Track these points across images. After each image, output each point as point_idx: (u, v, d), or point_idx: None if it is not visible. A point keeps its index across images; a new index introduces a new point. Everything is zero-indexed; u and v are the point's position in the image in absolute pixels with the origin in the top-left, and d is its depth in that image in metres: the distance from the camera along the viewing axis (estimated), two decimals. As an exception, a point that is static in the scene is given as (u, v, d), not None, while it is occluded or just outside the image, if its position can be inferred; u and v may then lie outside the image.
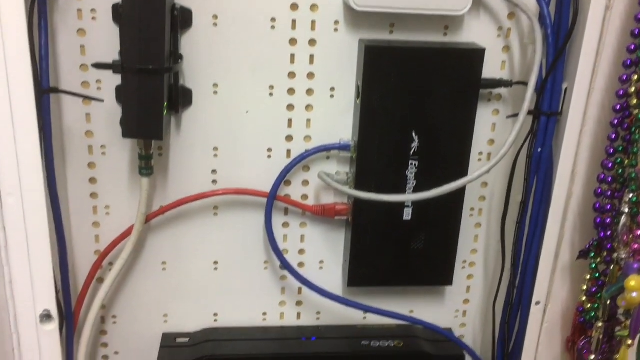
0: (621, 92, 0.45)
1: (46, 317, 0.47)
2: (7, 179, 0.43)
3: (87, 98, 0.50)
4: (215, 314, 0.62)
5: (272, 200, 0.56)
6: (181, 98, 0.52)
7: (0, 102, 0.41)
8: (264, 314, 0.63)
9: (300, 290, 0.62)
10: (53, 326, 0.47)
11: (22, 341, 0.47)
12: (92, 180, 0.55)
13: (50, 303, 0.47)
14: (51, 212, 0.48)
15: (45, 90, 0.46)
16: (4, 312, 0.46)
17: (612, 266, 0.47)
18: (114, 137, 0.54)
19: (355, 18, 0.53)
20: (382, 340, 0.61)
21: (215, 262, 0.60)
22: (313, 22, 0.53)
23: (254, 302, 0.62)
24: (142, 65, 0.46)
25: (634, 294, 0.42)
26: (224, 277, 0.60)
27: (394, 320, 0.63)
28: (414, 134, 0.54)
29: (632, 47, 0.44)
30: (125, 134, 0.49)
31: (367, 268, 0.59)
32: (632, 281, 0.42)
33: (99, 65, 0.48)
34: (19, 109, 0.41)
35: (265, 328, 0.63)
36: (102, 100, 0.50)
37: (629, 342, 0.45)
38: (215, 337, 0.61)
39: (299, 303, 0.63)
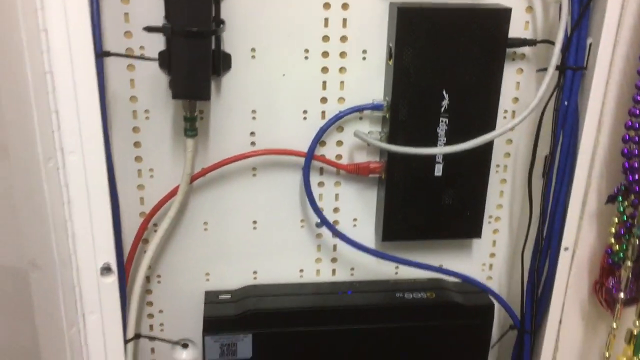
0: (647, 42, 0.48)
1: (106, 269, 0.50)
2: (70, 139, 0.45)
3: (141, 58, 0.53)
4: (255, 272, 0.65)
5: (310, 159, 0.59)
6: (222, 62, 0.55)
7: (63, 66, 0.43)
8: (301, 270, 0.65)
9: (335, 247, 0.65)
10: (113, 278, 0.50)
11: (84, 293, 0.50)
12: (137, 144, 0.58)
13: (109, 256, 0.50)
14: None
15: (98, 55, 0.48)
16: (67, 266, 0.49)
17: (640, 208, 0.50)
18: (157, 102, 0.56)
19: (387, -19, 0.56)
20: (415, 292, 0.64)
21: (254, 222, 0.63)
22: (346, -14, 0.56)
23: (291, 259, 0.65)
24: (191, 28, 0.48)
25: (663, 230, 0.45)
26: (262, 236, 0.63)
27: (425, 274, 0.66)
28: (444, 92, 0.57)
29: (657, -1, 0.47)
30: (175, 95, 0.51)
31: (400, 223, 0.62)
32: (661, 217, 0.45)
33: (150, 29, 0.51)
34: (80, 73, 0.44)
35: (302, 284, 0.66)
36: (156, 60, 0.52)
37: (658, 277, 0.48)
38: (256, 293, 0.63)
39: (333, 260, 0.65)
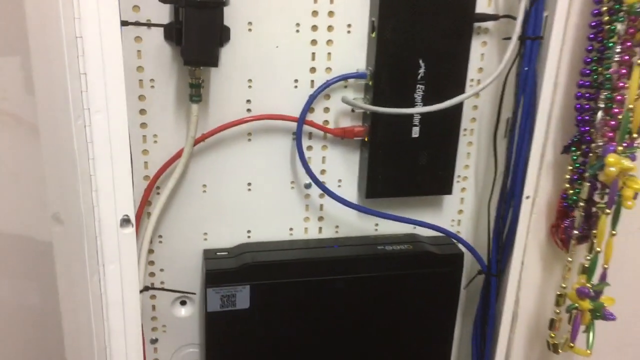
0: (595, 11, 0.56)
1: (125, 221, 0.54)
2: (96, 99, 0.50)
3: (153, 25, 0.57)
4: (249, 231, 0.70)
5: (302, 123, 0.65)
6: (222, 34, 0.60)
7: (91, 33, 0.48)
8: (290, 229, 0.71)
9: (321, 206, 0.71)
10: (131, 229, 0.54)
11: (105, 243, 0.54)
12: (142, 112, 0.62)
13: (129, 209, 0.54)
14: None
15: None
16: (89, 217, 0.53)
17: (591, 155, 0.58)
18: (162, 72, 0.61)
19: (369, -39, 0.62)
20: (394, 245, 0.71)
21: (249, 184, 0.68)
22: (333, -34, 0.62)
23: (282, 219, 0.71)
24: (203, -1, 0.53)
25: (612, 168, 0.54)
26: (256, 197, 0.69)
27: (402, 229, 0.73)
28: (420, 62, 0.64)
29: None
30: (187, 62, 0.56)
31: (382, 181, 0.69)
32: (610, 158, 0.54)
33: (165, 0, 0.55)
34: (107, 38, 0.48)
35: (292, 241, 0.71)
36: (158, 25, 0.57)
37: (607, 210, 0.57)
38: (250, 250, 0.69)
39: (320, 218, 0.72)
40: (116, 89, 0.50)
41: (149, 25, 0.58)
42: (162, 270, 0.69)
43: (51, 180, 0.51)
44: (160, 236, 0.68)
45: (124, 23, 0.54)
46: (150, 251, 0.68)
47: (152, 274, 0.69)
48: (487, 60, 0.69)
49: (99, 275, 0.55)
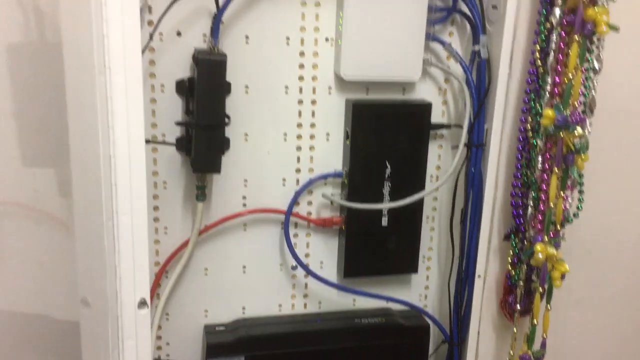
0: (521, 129, 0.71)
1: (142, 303, 0.65)
2: (123, 205, 0.62)
3: (168, 144, 0.71)
4: (244, 307, 0.81)
5: (289, 215, 0.77)
6: (224, 145, 0.73)
7: (121, 151, 0.60)
8: (280, 305, 0.82)
9: (306, 285, 0.83)
10: (146, 310, 0.65)
11: (124, 322, 0.65)
12: (156, 208, 0.75)
13: (145, 293, 0.65)
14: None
15: (141, 142, 0.65)
16: (113, 301, 0.64)
17: (526, 242, 0.71)
18: (173, 176, 0.74)
19: (343, 84, 0.76)
20: (369, 318, 0.82)
21: (244, 267, 0.80)
22: (314, 88, 0.76)
23: (272, 296, 0.82)
24: (210, 122, 0.66)
25: (540, 255, 0.66)
26: (250, 278, 0.80)
27: (376, 304, 0.84)
28: (387, 163, 0.77)
29: (526, 99, 0.70)
30: (195, 170, 0.69)
31: (357, 262, 0.80)
32: (538, 246, 0.66)
33: (179, 123, 0.69)
34: (134, 156, 0.61)
35: (281, 316, 0.82)
36: (173, 144, 0.70)
37: (540, 289, 0.69)
38: (245, 324, 0.80)
39: (305, 295, 0.83)
40: (139, 197, 0.62)
41: (165, 143, 0.71)
42: (168, 344, 0.79)
43: (82, 270, 0.63)
44: (167, 314, 0.78)
45: (146, 141, 0.67)
46: (158, 327, 0.78)
47: (159, 347, 0.79)
48: (443, 160, 0.82)
49: (118, 349, 0.66)
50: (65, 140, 0.61)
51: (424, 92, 0.79)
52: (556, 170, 0.65)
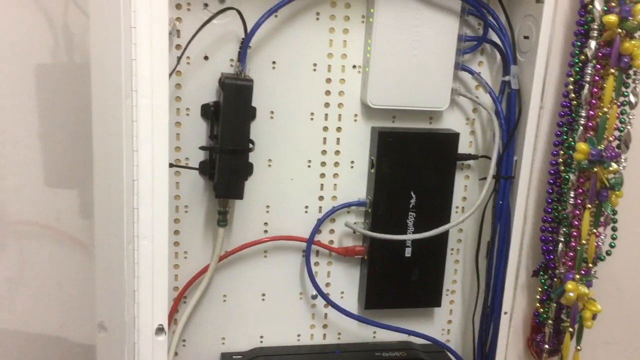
0: (553, 162, 0.69)
1: (160, 330, 0.64)
2: (144, 228, 0.61)
3: (191, 168, 0.70)
4: (261, 336, 0.79)
5: (311, 243, 0.76)
6: (248, 170, 0.72)
7: (144, 175, 0.60)
8: (298, 335, 0.81)
9: (325, 315, 0.81)
10: (164, 337, 0.64)
11: (141, 348, 0.63)
12: (176, 232, 0.74)
13: (163, 320, 0.64)
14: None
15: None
16: (130, 326, 0.63)
17: (555, 279, 0.69)
18: (195, 200, 0.73)
19: (369, 112, 0.75)
20: (390, 352, 0.80)
21: (263, 295, 0.78)
22: (340, 115, 0.75)
23: (290, 326, 0.80)
24: (234, 147, 0.66)
25: (571, 294, 0.64)
26: (268, 306, 0.78)
27: (397, 337, 0.82)
28: (412, 193, 0.76)
29: (558, 132, 0.68)
30: (218, 195, 0.68)
31: (379, 294, 0.78)
32: (569, 285, 0.64)
33: (203, 148, 0.68)
34: (157, 180, 0.60)
35: (299, 346, 0.80)
36: (196, 169, 0.70)
37: (570, 329, 0.66)
38: (262, 354, 0.78)
39: (324, 326, 0.81)
40: (161, 221, 0.61)
41: (188, 167, 0.70)
42: (183, 371, 0.78)
43: (100, 294, 0.62)
44: (184, 340, 0.77)
45: (170, 165, 0.67)
46: (175, 354, 0.77)
47: (174, 375, 0.77)
48: (469, 191, 0.81)
49: (134, 375, 0.64)
50: (88, 162, 0.60)
51: (451, 121, 0.78)
52: (589, 206, 0.63)
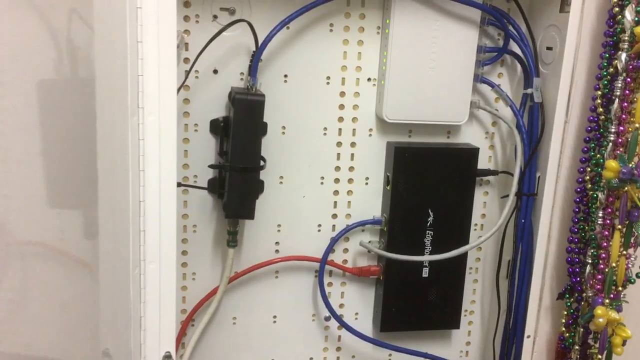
0: (580, 180, 0.65)
1: (167, 357, 0.61)
2: (151, 252, 0.58)
3: (200, 188, 0.67)
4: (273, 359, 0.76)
5: (324, 263, 0.73)
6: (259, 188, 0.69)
7: (151, 196, 0.57)
8: (311, 358, 0.77)
9: (339, 337, 0.78)
10: (172, 365, 0.61)
11: (149, 377, 0.61)
12: (184, 252, 0.71)
13: (171, 346, 0.61)
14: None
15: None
16: (137, 354, 0.60)
17: (582, 303, 0.65)
18: (204, 219, 0.70)
19: (384, 126, 0.72)
20: (406, 375, 0.77)
21: (274, 317, 0.75)
22: (354, 130, 0.72)
23: (303, 349, 0.77)
24: (245, 165, 0.63)
25: (600, 319, 0.60)
26: (280, 329, 0.75)
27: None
28: (429, 211, 0.73)
29: (585, 149, 0.65)
30: (228, 215, 0.65)
31: (395, 316, 0.75)
32: (598, 310, 0.60)
33: (213, 166, 0.65)
34: (164, 200, 0.57)
35: (312, 370, 0.77)
36: (205, 188, 0.67)
37: (599, 356, 0.63)
38: (274, 379, 0.75)
39: (338, 349, 0.78)
40: (168, 244, 0.58)
41: (197, 187, 0.67)
42: (191, 396, 0.75)
43: (105, 319, 0.59)
44: (192, 363, 0.74)
45: (178, 184, 0.64)
46: (182, 378, 0.74)
47: (182, 400, 0.74)
48: (489, 208, 0.77)
49: (141, 404, 0.61)
50: (93, 182, 0.58)
51: (470, 135, 0.75)
52: (619, 227, 0.60)
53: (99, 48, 0.55)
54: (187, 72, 0.64)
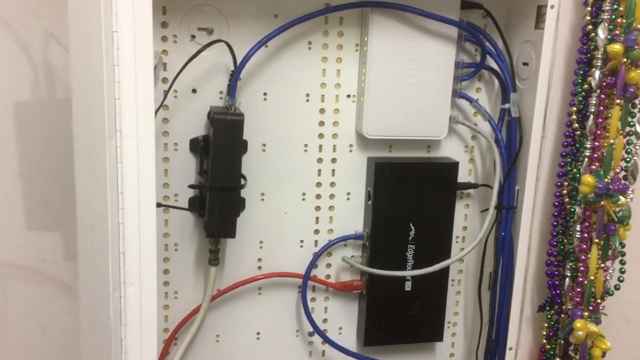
0: (557, 194, 0.66)
1: (150, 379, 0.61)
2: (131, 274, 0.58)
3: (180, 209, 0.67)
4: (257, 376, 0.76)
5: (307, 279, 0.73)
6: (240, 206, 0.69)
7: (131, 218, 0.57)
8: (295, 374, 0.77)
9: (323, 352, 0.78)
10: (154, 387, 0.61)
11: (130, 400, 0.60)
12: (166, 271, 0.70)
13: (152, 368, 0.61)
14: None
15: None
16: (118, 378, 0.60)
17: (562, 315, 0.66)
18: (185, 238, 0.70)
19: (365, 142, 0.73)
20: (391, 389, 0.77)
21: (258, 333, 0.75)
22: (334, 146, 0.72)
23: (287, 364, 0.77)
24: (225, 184, 0.63)
25: (580, 332, 0.61)
26: (264, 345, 0.75)
27: (398, 373, 0.79)
28: (411, 225, 0.73)
29: (562, 163, 0.66)
30: (209, 235, 0.65)
31: (379, 330, 0.75)
32: (577, 323, 0.61)
33: (193, 186, 0.65)
34: (144, 222, 0.57)
35: (296, 386, 0.77)
36: (186, 209, 0.67)
37: (580, 369, 0.64)
38: (258, 396, 0.75)
39: (322, 364, 0.78)
40: (149, 266, 0.58)
41: (177, 208, 0.67)
42: (175, 415, 0.74)
43: (86, 342, 0.59)
44: (176, 383, 0.73)
45: (158, 205, 0.64)
46: (166, 397, 0.73)
47: (166, 420, 0.74)
48: (469, 221, 0.78)
49: None
50: (71, 204, 0.57)
51: (450, 150, 0.75)
52: (596, 241, 0.60)
53: (75, 70, 0.54)
54: (166, 92, 0.63)
